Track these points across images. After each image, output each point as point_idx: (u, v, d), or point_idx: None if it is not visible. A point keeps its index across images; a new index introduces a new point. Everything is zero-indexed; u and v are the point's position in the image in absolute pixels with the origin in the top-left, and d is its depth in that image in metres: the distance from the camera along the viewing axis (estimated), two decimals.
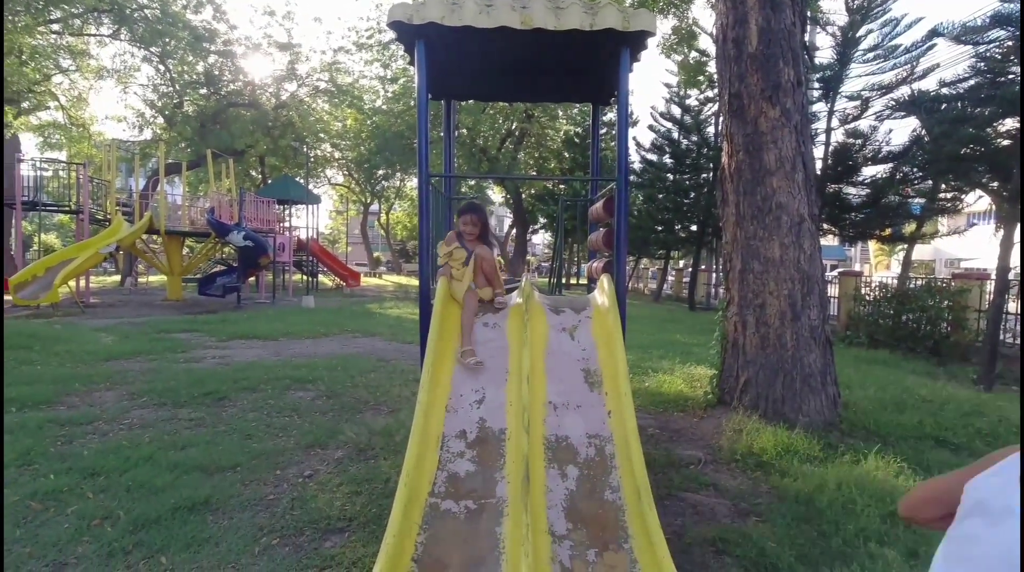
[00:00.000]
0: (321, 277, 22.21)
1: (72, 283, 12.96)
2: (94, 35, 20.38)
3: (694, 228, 18.94)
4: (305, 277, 20.91)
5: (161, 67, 22.27)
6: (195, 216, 16.57)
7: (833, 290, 11.88)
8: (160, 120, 24.26)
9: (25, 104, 20.08)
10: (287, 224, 22.53)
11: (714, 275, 21.41)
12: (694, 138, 18.81)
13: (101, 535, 2.78)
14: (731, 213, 5.04)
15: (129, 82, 22.97)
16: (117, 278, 23.01)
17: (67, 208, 15.07)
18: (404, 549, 2.30)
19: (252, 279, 17.02)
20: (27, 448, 3.74)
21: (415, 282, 25.52)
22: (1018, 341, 8.86)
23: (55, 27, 18.95)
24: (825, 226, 12.52)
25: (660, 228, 18.94)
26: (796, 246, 4.70)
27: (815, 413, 4.63)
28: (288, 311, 13.06)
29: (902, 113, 11.05)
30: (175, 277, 15.58)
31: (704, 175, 18.35)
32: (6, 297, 12.12)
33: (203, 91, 23.44)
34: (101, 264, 19.51)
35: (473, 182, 25.27)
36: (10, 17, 14.06)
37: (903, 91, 11.32)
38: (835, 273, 12.64)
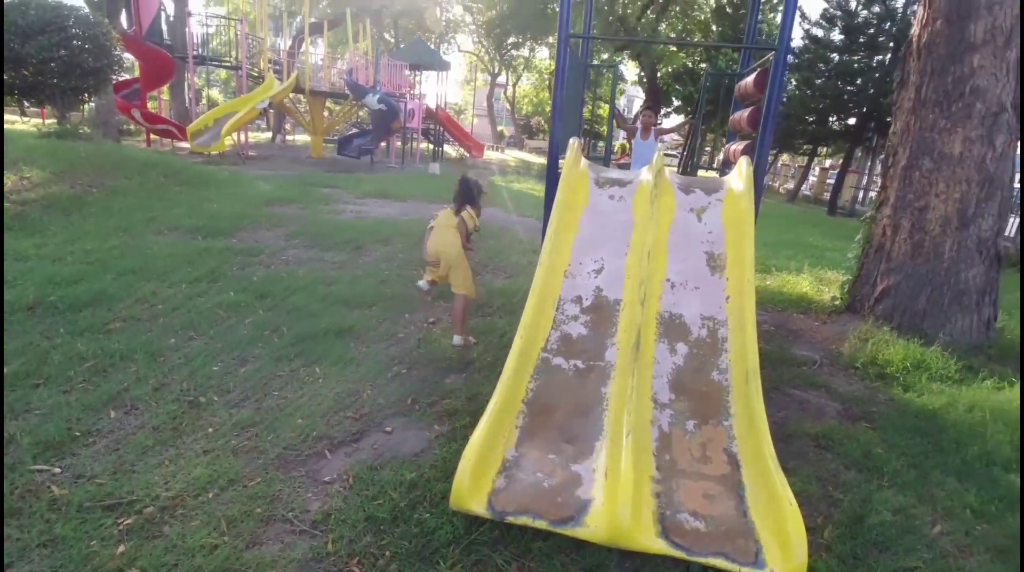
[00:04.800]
0: (446, 147, 22.66)
1: (234, 136, 14.40)
2: None
3: (852, 121, 16.54)
4: (431, 145, 21.45)
5: None
6: (335, 79, 17.31)
7: None
8: None
9: None
10: (417, 91, 22.76)
11: (866, 178, 18.99)
12: (876, 9, 15.78)
13: (271, 343, 3.37)
14: (908, 97, 4.34)
15: None
16: (268, 135, 25.12)
17: (228, 63, 16.34)
18: (517, 391, 2.55)
19: (383, 144, 17.80)
20: (213, 268, 4.49)
21: (536, 160, 25.28)
22: None
23: None
24: None
25: (811, 119, 16.71)
26: (985, 141, 4.01)
27: (961, 333, 4.22)
28: (415, 176, 13.65)
29: None
30: (318, 136, 16.77)
31: (879, 57, 15.64)
32: (183, 143, 13.78)
33: None
34: (255, 121, 21.29)
35: (606, 54, 23.48)
36: None
37: None
38: None
